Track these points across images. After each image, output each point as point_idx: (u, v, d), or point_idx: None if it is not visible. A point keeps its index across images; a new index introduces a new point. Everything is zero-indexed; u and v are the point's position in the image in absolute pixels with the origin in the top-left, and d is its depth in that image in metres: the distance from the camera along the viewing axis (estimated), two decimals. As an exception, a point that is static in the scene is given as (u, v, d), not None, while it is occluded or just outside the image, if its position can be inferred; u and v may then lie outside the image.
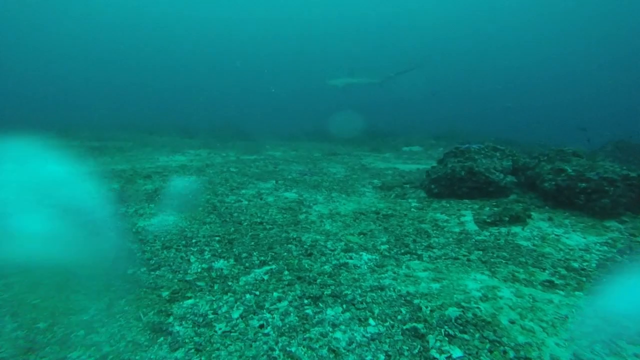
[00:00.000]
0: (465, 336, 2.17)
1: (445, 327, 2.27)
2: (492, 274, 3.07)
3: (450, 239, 3.95)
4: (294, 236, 3.95)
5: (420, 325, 2.29)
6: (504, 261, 3.34)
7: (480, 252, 3.56)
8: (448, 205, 5.38)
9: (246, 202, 5.35)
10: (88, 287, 2.73)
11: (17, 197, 5.28)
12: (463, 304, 2.54)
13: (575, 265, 3.26)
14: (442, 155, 7.15)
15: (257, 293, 2.69)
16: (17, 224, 4.11)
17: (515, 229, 4.26)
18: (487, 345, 2.09)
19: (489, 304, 2.55)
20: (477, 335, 2.18)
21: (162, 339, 2.14)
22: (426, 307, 2.51)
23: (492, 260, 3.37)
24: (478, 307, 2.49)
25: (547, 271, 3.12)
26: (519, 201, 5.43)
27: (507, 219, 4.48)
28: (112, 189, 5.96)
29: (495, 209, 4.99)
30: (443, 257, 3.44)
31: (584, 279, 2.99)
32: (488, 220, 4.52)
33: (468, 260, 3.37)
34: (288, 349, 2.06)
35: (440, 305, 2.53)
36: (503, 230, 4.23)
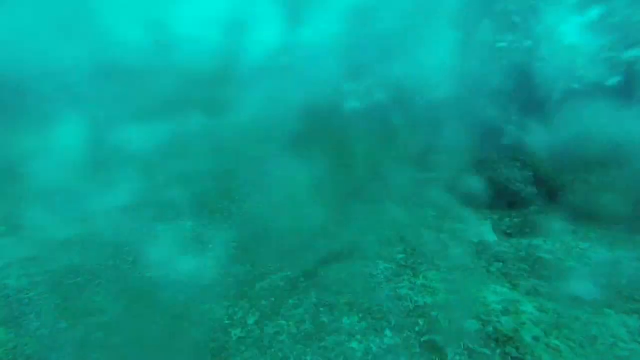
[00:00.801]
0: (486, 351, 2.10)
1: (465, 340, 2.20)
2: (513, 287, 2.97)
3: (469, 250, 3.85)
4: (311, 243, 3.92)
5: (438, 338, 2.23)
6: (525, 274, 3.23)
7: (500, 264, 3.45)
8: (466, 215, 5.26)
9: (263, 209, 5.36)
10: (108, 289, 2.78)
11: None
12: (483, 317, 2.47)
13: (604, 281, 3.12)
14: (462, 164, 7.01)
15: (273, 299, 2.68)
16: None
17: (537, 241, 4.12)
18: (510, 362, 2.01)
19: (510, 318, 2.46)
20: (498, 351, 2.11)
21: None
22: (444, 319, 2.45)
23: (512, 272, 3.26)
24: (499, 321, 2.41)
25: (572, 286, 2.99)
26: (540, 212, 5.26)
27: (528, 230, 4.35)
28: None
29: (515, 220, 4.86)
30: (461, 268, 3.35)
31: (615, 295, 2.84)
32: (508, 232, 4.40)
33: (487, 271, 3.28)
34: (303, 357, 2.04)
35: (458, 317, 2.46)
36: (524, 242, 4.10)
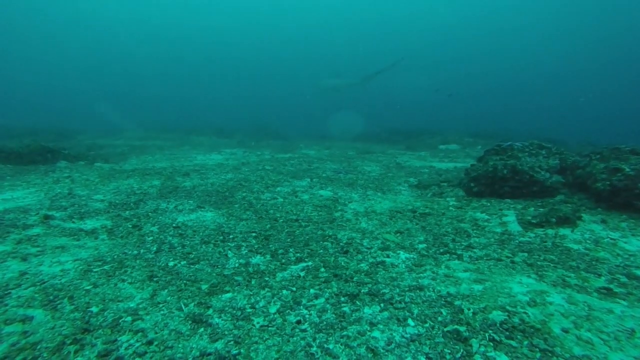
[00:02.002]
0: (512, 342, 2.05)
1: (490, 331, 2.15)
2: (540, 277, 2.88)
3: (492, 240, 3.77)
4: (330, 234, 3.93)
5: (462, 328, 2.19)
6: (552, 265, 3.13)
7: (525, 254, 3.36)
8: (489, 204, 5.14)
9: (281, 200, 5.40)
10: (134, 276, 2.86)
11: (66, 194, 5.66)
12: (508, 307, 2.40)
13: (639, 273, 2.99)
14: (482, 153, 6.85)
15: (294, 289, 2.70)
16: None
17: (564, 231, 3.99)
18: (538, 355, 1.95)
19: (537, 309, 2.39)
20: (525, 342, 2.05)
21: (202, 329, 2.19)
22: (468, 309, 2.40)
23: (538, 263, 3.17)
24: (525, 312, 2.34)
25: (603, 277, 2.88)
26: (567, 202, 5.09)
27: (554, 220, 4.21)
28: (153, 185, 6.24)
29: (540, 209, 4.71)
30: (485, 258, 3.28)
31: (651, 288, 2.72)
32: (533, 221, 4.27)
33: (512, 262, 3.19)
34: (325, 345, 2.04)
35: (483, 308, 2.41)
36: (550, 232, 3.98)
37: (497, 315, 2.31)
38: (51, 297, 2.52)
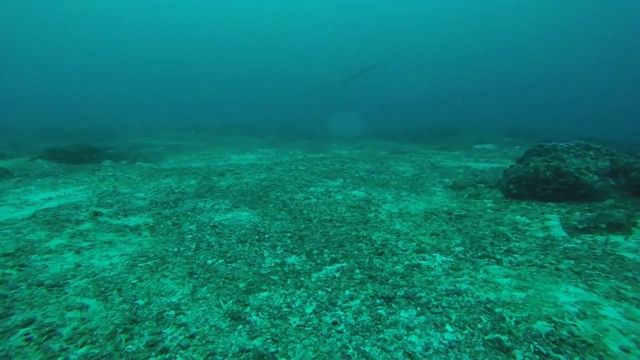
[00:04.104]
0: (561, 357, 1.94)
1: (535, 342, 2.06)
2: (589, 287, 2.72)
3: (534, 244, 3.59)
4: (364, 235, 3.91)
5: (504, 337, 2.11)
6: (603, 274, 2.94)
7: (572, 262, 3.18)
8: (529, 207, 4.91)
9: (315, 200, 5.43)
10: (175, 272, 2.99)
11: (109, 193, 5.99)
12: (555, 318, 2.29)
13: None
14: (521, 153, 6.55)
15: (329, 290, 2.71)
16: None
17: (616, 238, 3.73)
18: (592, 373, 1.84)
19: (588, 322, 2.25)
20: (576, 358, 1.93)
21: (241, 326, 2.25)
22: (510, 317, 2.31)
23: (587, 271, 2.98)
24: (574, 325, 2.22)
25: (665, 290, 2.67)
26: (618, 206, 4.76)
27: (604, 225, 3.95)
28: (190, 184, 6.47)
29: (588, 214, 4.44)
30: (526, 264, 3.14)
31: None
32: (579, 227, 4.03)
33: (557, 269, 3.03)
34: (362, 348, 2.04)
35: (526, 317, 2.31)
36: (599, 238, 3.73)
37: (542, 326, 2.20)
38: (102, 289, 2.69)
